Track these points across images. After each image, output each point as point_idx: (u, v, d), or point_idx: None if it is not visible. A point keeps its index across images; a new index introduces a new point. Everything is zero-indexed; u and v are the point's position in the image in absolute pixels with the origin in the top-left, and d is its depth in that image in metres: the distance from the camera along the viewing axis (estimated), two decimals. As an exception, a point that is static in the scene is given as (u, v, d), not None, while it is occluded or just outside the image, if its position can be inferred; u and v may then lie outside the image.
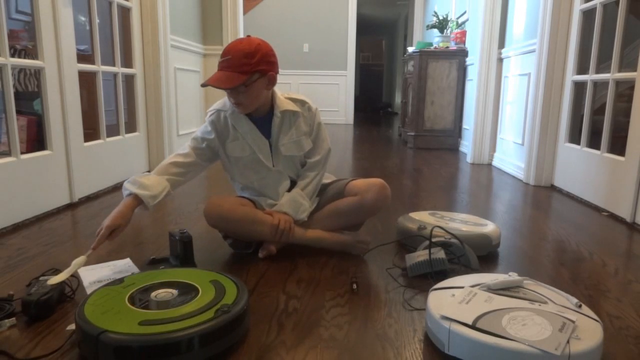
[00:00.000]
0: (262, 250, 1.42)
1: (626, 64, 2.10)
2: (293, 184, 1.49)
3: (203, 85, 1.33)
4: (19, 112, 1.86)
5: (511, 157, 3.09)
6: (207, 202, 1.38)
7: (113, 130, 2.45)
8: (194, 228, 1.68)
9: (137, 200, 1.30)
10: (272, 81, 1.37)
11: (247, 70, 1.30)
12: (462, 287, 1.02)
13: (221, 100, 1.48)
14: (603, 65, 2.26)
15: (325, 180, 1.56)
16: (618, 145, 2.07)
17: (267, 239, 1.41)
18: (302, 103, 1.48)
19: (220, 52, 1.34)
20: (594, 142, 2.26)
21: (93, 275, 1.26)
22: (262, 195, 1.48)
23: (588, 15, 2.35)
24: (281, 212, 1.41)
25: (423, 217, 1.61)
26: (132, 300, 0.96)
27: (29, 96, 2.28)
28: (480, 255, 1.41)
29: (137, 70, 2.63)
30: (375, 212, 1.47)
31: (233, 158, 1.46)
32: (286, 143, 1.44)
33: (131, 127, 2.65)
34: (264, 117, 1.44)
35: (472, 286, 1.03)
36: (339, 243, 1.45)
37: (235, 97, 1.35)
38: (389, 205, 1.48)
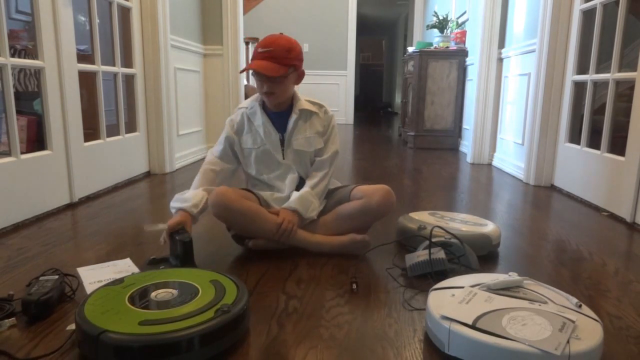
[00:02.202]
0: (252, 241, 1.44)
1: (626, 64, 2.10)
2: (302, 184, 1.51)
3: (242, 71, 1.51)
4: (19, 112, 1.86)
5: (511, 157, 3.09)
6: (214, 191, 1.40)
7: (113, 130, 2.45)
8: (194, 228, 1.68)
9: (184, 215, 1.36)
10: (302, 77, 1.50)
11: (287, 64, 1.41)
12: (462, 287, 1.02)
13: (248, 99, 1.58)
14: (603, 65, 2.26)
15: (331, 186, 1.59)
16: (618, 145, 2.07)
17: (268, 237, 1.41)
18: (319, 106, 1.57)
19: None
20: (594, 142, 2.26)
21: (93, 275, 1.26)
22: (271, 187, 1.52)
23: (588, 15, 2.35)
24: (290, 210, 1.42)
25: (423, 217, 1.61)
26: (132, 300, 0.96)
27: (29, 96, 2.28)
28: (480, 255, 1.41)
29: (137, 70, 2.63)
30: (380, 217, 1.49)
31: (246, 150, 1.53)
32: (298, 138, 1.51)
33: (131, 127, 2.65)
34: (281, 113, 1.51)
35: (472, 286, 1.03)
36: (338, 247, 1.45)
37: (271, 86, 1.42)
38: (393, 211, 1.49)
